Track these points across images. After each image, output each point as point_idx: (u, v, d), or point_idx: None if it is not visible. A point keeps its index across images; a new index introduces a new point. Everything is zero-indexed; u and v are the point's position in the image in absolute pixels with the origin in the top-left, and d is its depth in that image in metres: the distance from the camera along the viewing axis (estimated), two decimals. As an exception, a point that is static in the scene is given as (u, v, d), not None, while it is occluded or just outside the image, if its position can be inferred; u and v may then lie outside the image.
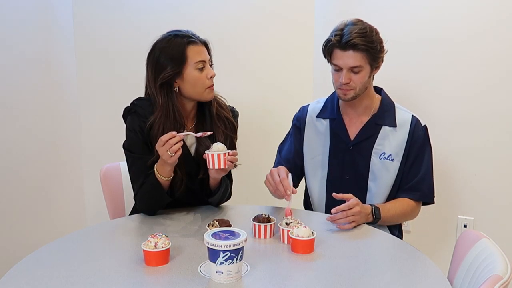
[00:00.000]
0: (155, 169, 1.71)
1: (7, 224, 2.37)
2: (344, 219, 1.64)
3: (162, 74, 1.72)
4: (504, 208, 2.32)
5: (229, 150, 1.62)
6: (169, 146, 1.60)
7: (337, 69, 1.82)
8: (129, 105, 1.83)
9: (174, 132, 1.62)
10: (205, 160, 1.62)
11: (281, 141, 2.11)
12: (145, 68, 1.79)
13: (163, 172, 1.70)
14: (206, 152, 1.61)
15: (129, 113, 1.81)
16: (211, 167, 1.61)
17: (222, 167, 1.60)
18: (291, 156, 2.01)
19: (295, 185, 2.04)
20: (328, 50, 1.82)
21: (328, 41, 1.82)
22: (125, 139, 1.82)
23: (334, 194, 1.69)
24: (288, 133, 2.09)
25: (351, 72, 1.79)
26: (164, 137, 1.61)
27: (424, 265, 1.41)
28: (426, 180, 1.87)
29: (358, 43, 1.74)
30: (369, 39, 1.76)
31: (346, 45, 1.75)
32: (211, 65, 1.80)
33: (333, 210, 1.65)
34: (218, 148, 1.60)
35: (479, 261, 1.31)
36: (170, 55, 1.71)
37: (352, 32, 1.75)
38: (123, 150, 1.82)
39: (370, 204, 1.76)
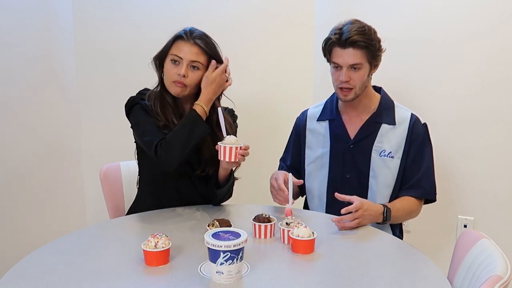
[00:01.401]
0: (195, 105, 1.74)
1: (7, 224, 2.37)
2: (351, 222, 1.63)
3: (155, 55, 1.83)
4: (504, 208, 2.32)
5: (242, 144, 1.65)
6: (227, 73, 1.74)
7: (337, 67, 1.83)
8: (135, 95, 1.84)
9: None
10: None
11: (282, 141, 2.11)
12: None
13: (207, 100, 1.75)
14: (218, 143, 1.64)
15: (133, 102, 1.83)
16: (221, 158, 1.64)
17: (232, 160, 1.64)
18: (296, 164, 2.02)
19: (302, 193, 2.05)
20: (328, 48, 1.83)
21: (327, 40, 1.83)
22: (132, 117, 1.83)
23: (336, 194, 1.68)
24: (288, 143, 2.10)
25: (351, 70, 1.80)
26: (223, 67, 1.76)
27: (424, 265, 1.41)
28: (427, 177, 1.87)
29: (357, 40, 1.76)
30: (368, 37, 1.78)
31: (345, 42, 1.77)
32: (198, 68, 1.79)
33: (343, 210, 1.63)
34: (231, 141, 1.63)
35: (479, 261, 1.31)
36: (165, 44, 1.81)
37: (351, 30, 1.77)
38: (124, 146, 1.83)
39: (382, 205, 1.75)
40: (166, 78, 1.79)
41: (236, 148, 1.62)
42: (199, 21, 2.53)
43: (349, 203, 1.66)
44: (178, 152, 1.68)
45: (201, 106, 1.74)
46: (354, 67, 1.79)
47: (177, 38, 1.79)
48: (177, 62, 1.76)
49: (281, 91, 2.64)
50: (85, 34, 2.71)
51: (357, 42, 1.76)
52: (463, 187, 2.38)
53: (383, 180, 1.87)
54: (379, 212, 1.72)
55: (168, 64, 1.78)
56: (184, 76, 1.75)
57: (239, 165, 1.78)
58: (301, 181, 1.81)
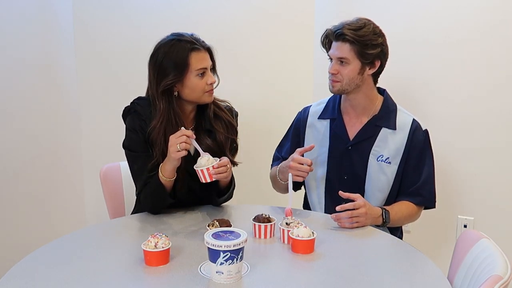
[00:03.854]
0: (159, 170, 1.72)
1: (7, 224, 2.37)
2: (348, 219, 1.64)
3: (164, 81, 1.72)
4: (504, 208, 2.31)
5: (215, 162, 1.63)
6: (182, 141, 1.62)
7: (330, 59, 1.87)
8: (129, 104, 1.84)
9: (193, 135, 1.66)
10: None
11: (279, 141, 2.11)
12: (147, 68, 1.79)
13: (166, 172, 1.71)
14: (194, 167, 1.64)
15: (128, 113, 1.82)
16: (201, 181, 1.64)
17: (209, 180, 1.63)
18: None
19: (299, 186, 2.04)
20: (326, 41, 1.88)
21: (324, 31, 1.87)
22: (124, 138, 1.82)
23: (340, 192, 1.68)
24: (287, 133, 2.08)
25: (339, 63, 1.82)
26: (185, 131, 1.64)
27: (424, 265, 1.41)
28: (427, 185, 1.86)
29: (345, 33, 1.78)
30: (360, 33, 1.78)
31: (335, 35, 1.81)
32: (212, 69, 1.81)
33: (338, 208, 1.65)
34: (201, 163, 1.63)
35: (479, 261, 1.31)
36: (173, 61, 1.71)
37: (345, 24, 1.80)
38: (123, 150, 1.83)
39: (381, 207, 1.76)
40: (197, 92, 1.75)
41: (207, 169, 1.61)
42: (199, 21, 2.54)
43: (349, 201, 1.66)
44: (152, 211, 1.81)
45: (163, 177, 1.72)
46: (341, 60, 1.81)
47: (192, 50, 1.72)
48: (203, 74, 1.74)
49: (281, 91, 2.64)
50: (85, 34, 2.71)
51: (343, 35, 1.78)
52: (463, 187, 2.38)
53: (377, 184, 1.86)
54: (378, 214, 1.73)
55: (195, 79, 1.73)
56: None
57: (228, 176, 1.75)
58: (313, 145, 1.84)
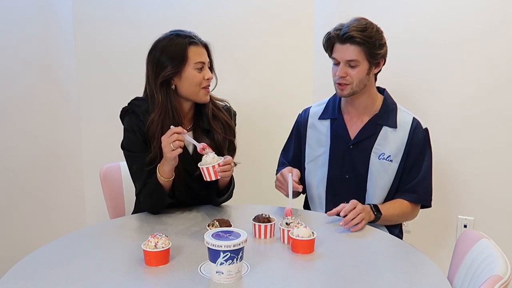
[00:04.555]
0: (157, 170, 1.72)
1: (7, 224, 2.37)
2: (356, 218, 1.64)
3: (163, 73, 1.73)
4: (504, 208, 2.31)
5: (220, 160, 1.62)
6: (174, 139, 1.62)
7: (336, 63, 1.85)
8: (126, 105, 1.84)
9: (184, 130, 1.66)
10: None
11: (282, 141, 2.11)
12: (146, 65, 1.80)
13: (164, 173, 1.71)
14: (198, 165, 1.63)
15: (126, 113, 1.82)
16: (205, 179, 1.63)
17: (213, 179, 1.62)
18: (296, 159, 2.02)
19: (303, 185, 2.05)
20: (329, 44, 1.86)
21: (328, 35, 1.85)
22: (122, 139, 1.82)
23: (328, 213, 1.69)
24: (290, 136, 2.09)
25: (348, 66, 1.81)
26: (174, 129, 1.64)
27: (424, 265, 1.41)
28: (423, 183, 1.87)
29: (355, 36, 1.77)
30: (367, 34, 1.78)
31: (343, 38, 1.79)
32: (210, 68, 1.82)
33: (341, 213, 1.65)
34: (206, 161, 1.62)
35: (479, 261, 1.31)
36: (171, 54, 1.73)
37: (351, 26, 1.79)
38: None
39: (368, 204, 1.78)
40: (194, 86, 1.75)
41: (213, 166, 1.60)
42: (199, 21, 2.54)
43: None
44: (151, 211, 1.81)
45: (161, 178, 1.72)
46: (350, 63, 1.80)
47: (190, 44, 1.74)
48: (201, 69, 1.75)
49: (281, 91, 2.64)
50: (85, 34, 2.71)
51: (354, 38, 1.77)
52: (463, 187, 2.38)
53: (380, 183, 1.87)
54: (368, 209, 1.73)
55: (193, 72, 1.74)
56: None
57: (230, 176, 1.76)
58: (301, 186, 1.80)
